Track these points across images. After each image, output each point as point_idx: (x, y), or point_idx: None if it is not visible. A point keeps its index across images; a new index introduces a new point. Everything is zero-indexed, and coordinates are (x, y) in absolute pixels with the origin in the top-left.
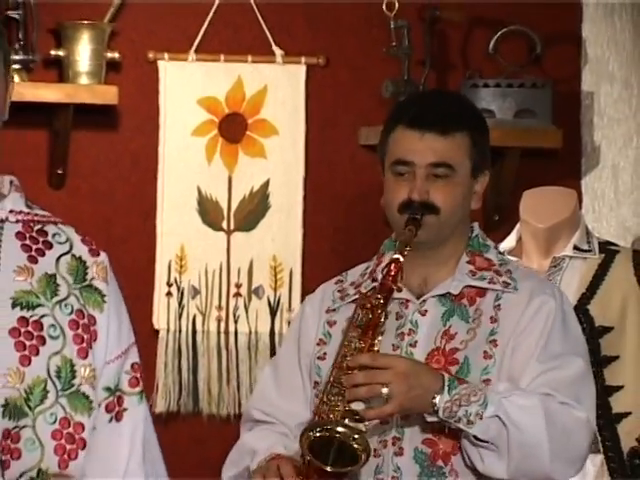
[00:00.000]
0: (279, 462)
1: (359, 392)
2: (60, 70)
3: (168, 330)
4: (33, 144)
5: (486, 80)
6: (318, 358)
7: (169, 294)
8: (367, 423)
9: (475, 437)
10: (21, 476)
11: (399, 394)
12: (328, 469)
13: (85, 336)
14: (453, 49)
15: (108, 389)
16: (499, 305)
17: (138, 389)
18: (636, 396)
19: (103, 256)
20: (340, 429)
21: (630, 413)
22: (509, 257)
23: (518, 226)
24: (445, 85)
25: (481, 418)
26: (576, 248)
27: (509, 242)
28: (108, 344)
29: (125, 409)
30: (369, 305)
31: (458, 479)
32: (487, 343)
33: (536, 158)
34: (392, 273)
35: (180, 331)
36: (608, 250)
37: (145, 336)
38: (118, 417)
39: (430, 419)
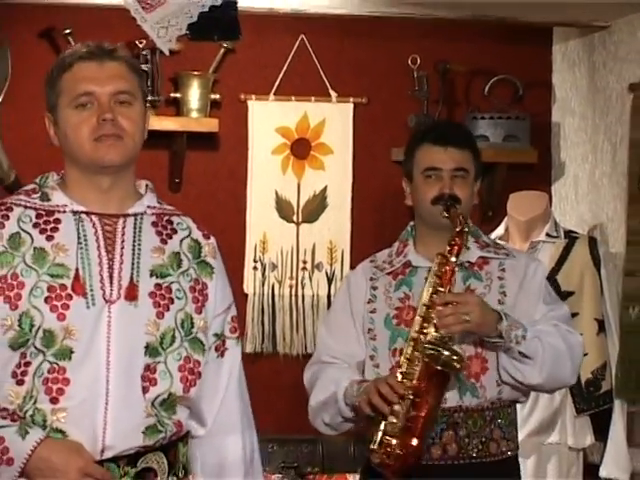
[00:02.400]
0: (385, 376)
1: (449, 320)
2: (177, 107)
3: (254, 294)
4: (158, 161)
5: (482, 114)
6: (370, 312)
7: (255, 268)
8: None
9: (520, 353)
10: (156, 398)
11: (477, 318)
12: (438, 368)
13: (200, 298)
14: (459, 92)
15: (216, 335)
16: (504, 269)
17: (236, 334)
18: (590, 341)
19: (212, 239)
20: (446, 353)
21: (586, 354)
22: (497, 240)
23: (506, 219)
24: (453, 118)
25: (525, 339)
26: (548, 235)
27: (499, 230)
28: (216, 303)
29: (227, 349)
30: (445, 261)
31: (486, 392)
32: (499, 294)
33: (518, 171)
34: (459, 241)
35: (263, 295)
36: (571, 236)
37: (238, 298)
38: (222, 354)
39: (492, 340)
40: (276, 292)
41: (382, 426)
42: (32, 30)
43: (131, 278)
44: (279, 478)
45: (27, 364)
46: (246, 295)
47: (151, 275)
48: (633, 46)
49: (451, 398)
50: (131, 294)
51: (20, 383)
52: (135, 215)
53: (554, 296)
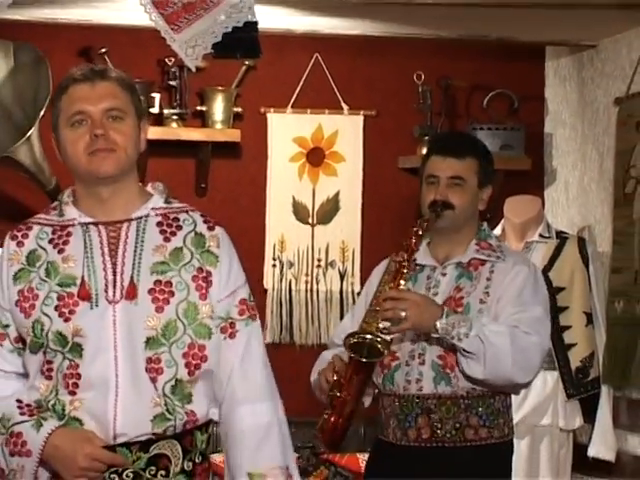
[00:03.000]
0: (334, 358)
1: (386, 314)
2: (203, 119)
3: (273, 289)
4: (185, 168)
5: (481, 125)
6: None
7: (274, 266)
8: (391, 336)
9: (463, 349)
10: (165, 386)
11: (412, 316)
12: (363, 360)
13: (204, 285)
14: (460, 105)
15: (221, 318)
16: (493, 270)
17: (245, 316)
18: (579, 333)
19: (217, 230)
20: (369, 336)
21: (576, 344)
22: (504, 243)
23: (503, 221)
24: (454, 129)
25: (467, 337)
26: (541, 235)
27: (496, 231)
28: (220, 289)
29: (237, 330)
30: (398, 260)
31: (459, 382)
32: (482, 294)
33: (514, 177)
34: (413, 240)
35: (281, 290)
36: (562, 237)
37: (258, 293)
38: (232, 336)
39: (434, 336)
40: (293, 287)
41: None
42: (71, 49)
43: (131, 278)
44: (296, 457)
45: (50, 362)
46: (266, 290)
47: (151, 273)
48: (618, 63)
49: (427, 386)
50: (131, 293)
51: (48, 378)
52: (139, 219)
53: (528, 299)
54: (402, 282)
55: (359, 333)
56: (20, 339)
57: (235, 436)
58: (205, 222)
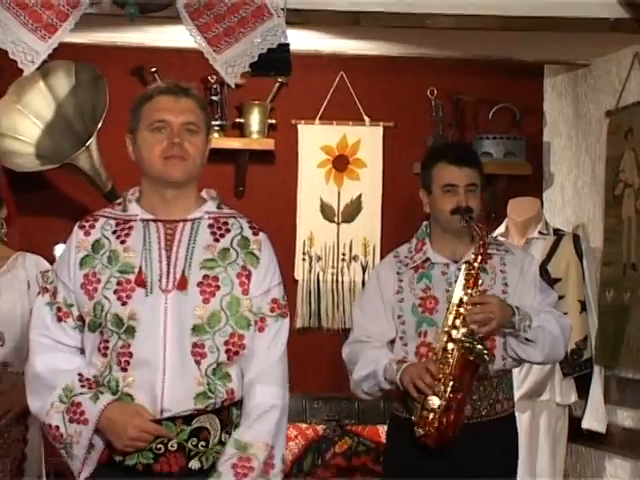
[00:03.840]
0: (425, 363)
1: (476, 317)
2: (241, 130)
3: (303, 280)
4: (226, 173)
5: (487, 135)
6: (398, 301)
7: (304, 259)
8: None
9: (526, 338)
10: (208, 368)
11: (499, 316)
12: (471, 358)
13: (246, 282)
14: (468, 117)
15: (253, 313)
16: (504, 263)
17: (276, 313)
18: (574, 318)
19: (261, 235)
20: (480, 346)
21: (571, 329)
22: (500, 238)
23: (506, 220)
24: (463, 139)
25: (530, 327)
26: (540, 232)
27: (501, 229)
28: (256, 287)
29: (267, 325)
30: (471, 268)
31: (493, 364)
32: (502, 285)
33: (516, 181)
34: (482, 251)
35: (310, 281)
36: (558, 234)
37: (290, 283)
38: (261, 330)
39: (507, 330)
40: (320, 278)
41: (423, 404)
42: (125, 68)
43: (183, 272)
44: (323, 429)
45: (106, 341)
46: (296, 281)
47: (201, 268)
48: (608, 80)
49: None
50: (182, 285)
51: (104, 356)
52: (193, 220)
53: (544, 285)
54: (478, 287)
55: (469, 339)
56: (81, 318)
57: (244, 410)
58: (250, 228)
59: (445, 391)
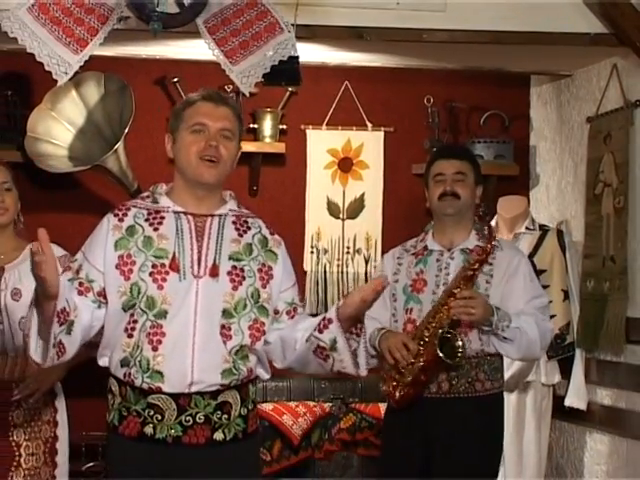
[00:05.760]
0: (403, 336)
1: (460, 310)
2: (254, 134)
3: (311, 271)
4: (241, 174)
5: (479, 139)
6: (394, 282)
7: (312, 252)
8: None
9: (504, 337)
10: (232, 349)
11: (479, 313)
12: (444, 359)
13: (265, 277)
14: (461, 123)
15: (287, 303)
16: (494, 257)
17: (303, 303)
18: (558, 306)
19: (276, 236)
20: (460, 343)
21: (555, 315)
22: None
23: (496, 216)
24: (457, 142)
25: (508, 327)
26: (527, 228)
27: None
28: (282, 281)
29: (298, 313)
30: (470, 268)
31: (471, 344)
32: (487, 275)
33: (505, 181)
34: (483, 256)
35: (317, 272)
36: (544, 229)
37: (299, 274)
38: (292, 317)
39: (485, 328)
40: (327, 270)
41: (394, 373)
42: (149, 78)
43: (214, 261)
44: (329, 406)
45: (135, 322)
46: (305, 272)
47: (229, 259)
48: (589, 89)
49: None
50: (213, 272)
51: (130, 337)
52: (220, 215)
53: (537, 286)
54: (469, 284)
55: (452, 333)
56: (101, 294)
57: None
58: (267, 228)
59: (413, 369)
